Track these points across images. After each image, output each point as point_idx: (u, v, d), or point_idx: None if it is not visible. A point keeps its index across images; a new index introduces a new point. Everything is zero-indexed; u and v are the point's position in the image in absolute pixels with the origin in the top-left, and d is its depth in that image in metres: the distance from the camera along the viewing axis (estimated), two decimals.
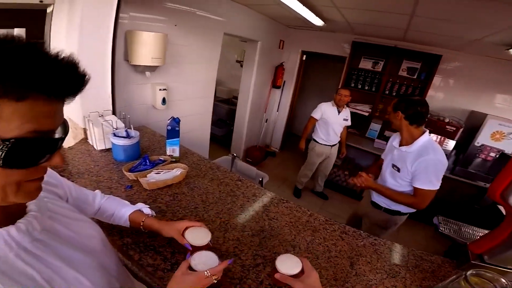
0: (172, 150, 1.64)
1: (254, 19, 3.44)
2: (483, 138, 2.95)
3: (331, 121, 3.11)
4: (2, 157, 0.34)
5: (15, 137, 0.34)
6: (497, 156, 2.94)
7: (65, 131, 0.43)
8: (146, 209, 1.02)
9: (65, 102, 0.41)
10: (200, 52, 2.71)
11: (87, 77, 0.41)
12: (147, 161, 1.51)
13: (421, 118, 1.58)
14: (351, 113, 3.33)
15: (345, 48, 4.11)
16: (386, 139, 3.85)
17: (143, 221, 0.95)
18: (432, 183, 1.53)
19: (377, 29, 3.19)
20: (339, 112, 3.13)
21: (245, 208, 1.36)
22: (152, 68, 2.16)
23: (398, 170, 1.67)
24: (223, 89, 5.12)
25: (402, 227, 1.86)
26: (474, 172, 3.03)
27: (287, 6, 2.47)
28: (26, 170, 0.39)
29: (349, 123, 3.27)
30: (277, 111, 4.95)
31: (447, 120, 3.17)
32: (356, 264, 1.12)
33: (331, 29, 3.87)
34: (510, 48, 2.40)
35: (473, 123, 3.14)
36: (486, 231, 1.20)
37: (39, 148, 0.38)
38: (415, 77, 3.65)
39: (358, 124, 4.01)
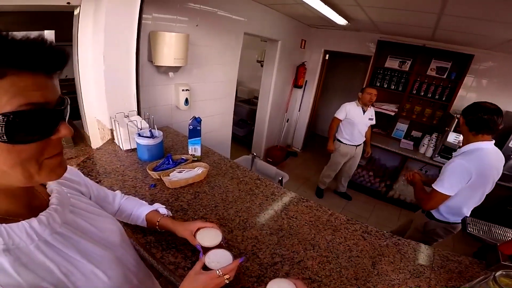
0: (194, 149, 1.68)
1: (275, 18, 3.42)
2: None
3: (356, 121, 3.06)
4: (3, 131, 0.36)
5: (10, 111, 0.36)
6: None
7: (64, 104, 0.45)
8: (162, 209, 1.03)
9: (53, 76, 0.43)
10: (221, 52, 2.74)
11: (65, 52, 0.42)
12: (170, 160, 1.56)
13: (483, 125, 1.46)
14: (376, 112, 3.26)
15: (370, 47, 3.99)
16: (413, 139, 3.75)
17: (158, 221, 0.96)
18: (442, 184, 1.50)
19: (404, 28, 3.07)
20: (364, 111, 3.07)
21: (264, 207, 1.36)
22: (175, 69, 2.21)
23: None
24: (244, 89, 5.18)
25: None
26: (508, 174, 2.86)
27: (309, 5, 2.44)
28: (37, 145, 0.40)
29: (374, 122, 3.20)
30: (299, 111, 4.91)
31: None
32: (378, 263, 1.09)
33: (355, 28, 3.76)
34: None
35: (508, 124, 2.92)
36: None
37: (38, 120, 0.40)
38: (444, 76, 3.47)
39: (383, 124, 3.88)
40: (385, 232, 1.29)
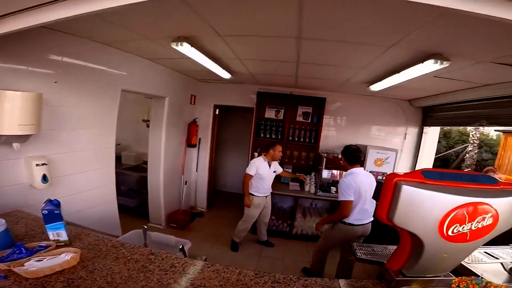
0: (57, 234, 1.35)
1: (160, 73, 3.29)
2: (369, 166, 3.58)
3: (265, 175, 3.32)
4: None
5: None
6: (382, 178, 3.57)
7: None
8: None
9: None
10: (92, 114, 2.38)
11: None
12: (22, 249, 1.21)
13: (354, 159, 2.51)
14: None
15: (253, 99, 4.31)
16: (299, 181, 4.19)
17: None
18: (343, 195, 2.39)
19: (275, 78, 3.59)
20: (270, 166, 3.38)
21: (164, 282, 1.17)
22: (22, 138, 1.75)
23: None
24: (130, 154, 4.67)
25: None
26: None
27: (194, 59, 2.49)
28: None
29: (277, 172, 3.55)
30: (196, 170, 4.78)
31: (339, 156, 3.68)
32: None
33: (239, 81, 4.04)
34: (370, 85, 3.07)
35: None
36: (395, 246, 1.31)
37: None
38: (309, 120, 4.20)
39: None
40: (291, 276, 1.29)
